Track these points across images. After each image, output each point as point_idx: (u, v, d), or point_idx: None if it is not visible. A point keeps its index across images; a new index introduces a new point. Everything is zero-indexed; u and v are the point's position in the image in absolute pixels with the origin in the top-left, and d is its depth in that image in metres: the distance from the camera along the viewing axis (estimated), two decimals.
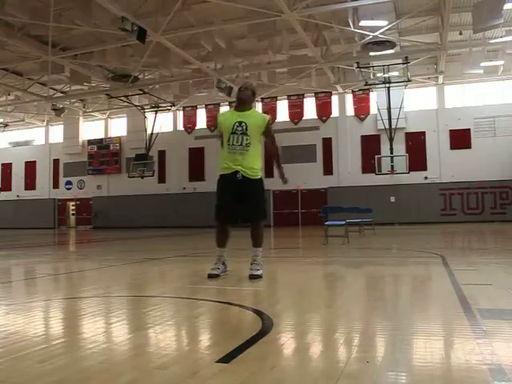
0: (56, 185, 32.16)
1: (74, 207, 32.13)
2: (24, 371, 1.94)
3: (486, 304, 3.15)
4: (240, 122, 4.57)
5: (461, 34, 19.36)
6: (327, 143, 26.00)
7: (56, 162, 32.19)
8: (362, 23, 17.43)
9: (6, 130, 31.87)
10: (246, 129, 4.55)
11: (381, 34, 17.84)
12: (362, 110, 25.46)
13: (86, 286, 4.58)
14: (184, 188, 28.55)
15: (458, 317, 2.77)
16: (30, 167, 32.86)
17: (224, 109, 27.40)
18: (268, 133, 4.76)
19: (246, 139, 4.54)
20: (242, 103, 4.71)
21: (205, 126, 27.76)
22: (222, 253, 4.75)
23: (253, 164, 4.59)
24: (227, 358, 2.05)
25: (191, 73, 22.00)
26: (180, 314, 3.19)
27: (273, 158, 5.05)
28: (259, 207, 4.68)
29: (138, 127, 28.24)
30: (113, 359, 2.13)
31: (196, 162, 27.96)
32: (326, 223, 10.33)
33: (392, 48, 19.63)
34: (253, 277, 4.46)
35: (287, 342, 2.38)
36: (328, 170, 25.92)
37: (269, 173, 26.54)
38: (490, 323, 2.57)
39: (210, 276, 4.57)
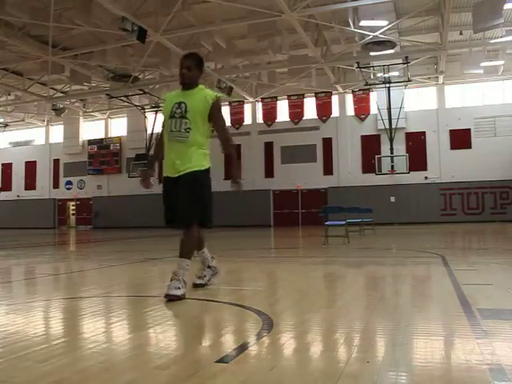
0: (56, 185, 32.16)
1: (74, 207, 32.13)
2: (24, 371, 1.94)
3: (486, 304, 3.15)
4: (179, 103, 3.68)
5: (461, 33, 19.36)
6: (327, 143, 26.00)
7: (56, 161, 32.19)
8: (362, 23, 17.43)
9: (7, 129, 31.88)
10: (186, 111, 3.65)
11: (381, 33, 17.83)
12: (362, 110, 25.46)
13: (86, 286, 4.58)
14: None
15: (458, 317, 2.77)
16: (30, 167, 32.86)
17: (225, 109, 27.44)
18: (214, 117, 3.74)
19: (186, 123, 3.63)
20: (184, 79, 3.75)
21: None
22: (204, 255, 4.01)
23: (193, 155, 3.66)
24: (227, 358, 2.05)
25: None
26: (180, 314, 3.19)
27: (221, 142, 3.93)
28: (191, 208, 3.61)
29: (138, 127, 28.24)
30: (113, 359, 2.13)
31: None
32: (326, 223, 10.33)
33: (392, 48, 19.63)
34: (169, 297, 3.42)
35: (287, 342, 2.38)
36: (328, 169, 25.91)
37: (269, 173, 26.73)
38: (490, 323, 2.57)
39: (195, 285, 3.95)
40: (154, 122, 26.72)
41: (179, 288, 3.45)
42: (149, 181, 3.99)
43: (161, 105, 26.19)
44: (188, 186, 3.60)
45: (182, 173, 3.61)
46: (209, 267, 3.98)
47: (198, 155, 3.69)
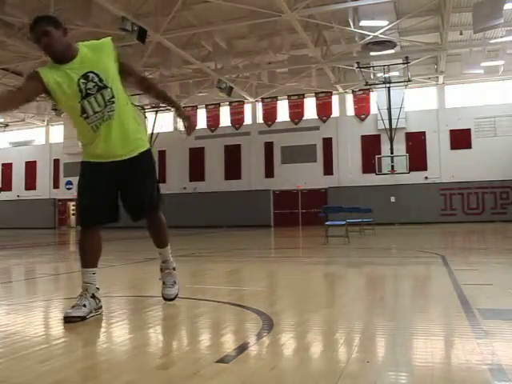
0: (56, 185, 32.16)
1: (74, 207, 32.13)
2: (24, 371, 1.94)
3: (486, 304, 3.15)
4: (86, 76, 2.79)
5: (461, 33, 19.34)
6: (327, 143, 25.99)
7: (56, 161, 32.18)
8: (362, 23, 17.43)
9: (7, 130, 31.87)
10: (101, 79, 2.81)
11: (381, 33, 17.83)
12: (362, 110, 25.45)
13: None
14: (184, 188, 28.53)
15: (458, 317, 2.77)
16: (31, 167, 32.86)
17: (225, 109, 27.43)
18: (127, 66, 3.02)
19: (108, 94, 2.83)
20: (54, 49, 2.79)
21: (205, 126, 27.74)
22: (91, 278, 3.03)
23: (132, 130, 2.97)
24: (227, 358, 2.05)
25: (191, 73, 22.00)
26: (180, 314, 3.19)
27: (150, 90, 3.21)
28: (154, 193, 3.12)
29: None
30: (113, 359, 2.13)
31: (196, 162, 27.94)
32: (327, 223, 10.33)
33: (392, 48, 19.62)
34: (167, 298, 3.24)
35: (287, 342, 2.38)
36: (328, 170, 25.90)
37: (269, 173, 26.73)
38: (491, 323, 2.57)
39: (68, 319, 2.76)
40: (154, 122, 26.73)
41: (172, 285, 3.27)
42: None
43: (161, 105, 26.20)
44: (146, 169, 3.05)
45: (127, 156, 2.94)
46: (93, 297, 3.00)
47: (138, 131, 3.04)
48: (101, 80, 2.81)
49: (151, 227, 3.24)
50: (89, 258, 3.05)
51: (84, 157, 3.05)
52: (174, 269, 3.33)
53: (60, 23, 2.84)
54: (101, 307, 3.01)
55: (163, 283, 3.31)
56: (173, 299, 3.27)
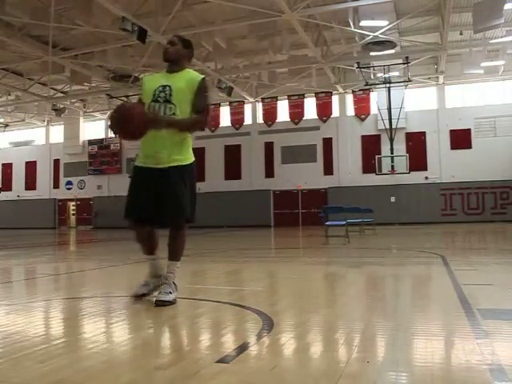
0: (56, 185, 32.16)
1: (74, 207, 32.13)
2: (24, 371, 1.94)
3: (486, 304, 3.15)
4: (164, 86, 3.32)
5: (461, 34, 19.34)
6: (327, 143, 25.99)
7: (56, 162, 32.18)
8: (363, 23, 17.42)
9: (7, 130, 31.88)
10: (170, 94, 3.29)
11: (381, 34, 17.82)
12: (362, 110, 25.45)
13: (86, 286, 4.58)
14: None
15: (458, 317, 2.77)
16: (31, 167, 32.86)
17: (225, 109, 27.44)
18: (196, 96, 3.33)
19: (170, 108, 3.29)
20: (168, 54, 3.43)
21: None
22: (154, 260, 3.53)
23: (180, 146, 3.36)
24: (227, 359, 2.05)
25: None
26: (180, 314, 3.19)
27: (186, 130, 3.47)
28: (179, 205, 3.29)
29: None
30: (113, 359, 2.13)
31: (196, 162, 27.91)
32: (327, 223, 10.33)
33: (392, 48, 19.62)
34: (160, 303, 3.24)
35: (287, 342, 2.38)
36: (328, 170, 25.91)
37: (269, 173, 26.71)
38: (491, 323, 2.57)
39: (135, 297, 3.42)
40: None
41: (170, 293, 3.30)
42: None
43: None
44: (177, 181, 3.28)
45: (167, 165, 3.27)
46: (158, 276, 3.46)
47: (185, 148, 3.40)
48: (170, 95, 3.30)
49: (169, 237, 3.42)
50: (143, 247, 3.49)
51: (136, 162, 3.45)
52: (173, 283, 3.37)
53: (188, 45, 3.53)
54: (160, 285, 3.38)
55: (159, 290, 3.36)
56: (164, 304, 3.24)
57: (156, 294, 3.35)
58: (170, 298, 3.28)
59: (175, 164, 3.30)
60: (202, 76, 3.43)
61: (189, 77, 3.39)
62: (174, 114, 3.28)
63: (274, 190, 26.64)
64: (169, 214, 3.29)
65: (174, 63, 3.42)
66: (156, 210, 3.27)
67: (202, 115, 3.38)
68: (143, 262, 6.86)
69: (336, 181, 25.61)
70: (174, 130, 3.29)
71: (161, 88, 3.32)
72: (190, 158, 3.45)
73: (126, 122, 3.03)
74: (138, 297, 3.39)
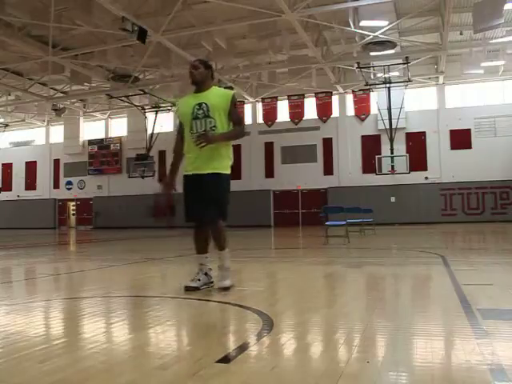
0: (56, 185, 32.17)
1: (74, 207, 32.14)
2: (24, 371, 1.94)
3: (486, 304, 3.15)
4: (200, 104, 3.83)
5: (461, 34, 19.35)
6: (327, 143, 26.00)
7: (56, 162, 32.19)
8: (363, 23, 17.43)
9: (7, 130, 31.87)
10: (208, 110, 3.81)
11: (381, 34, 17.83)
12: (362, 110, 25.46)
13: (86, 286, 4.58)
14: None
15: (458, 317, 2.77)
16: (31, 167, 32.87)
17: None
18: (232, 112, 3.90)
19: (210, 122, 3.79)
20: (197, 84, 3.94)
21: None
22: (204, 260, 3.98)
23: (220, 155, 3.83)
24: (227, 359, 2.05)
25: None
26: (180, 314, 3.19)
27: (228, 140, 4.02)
28: (216, 207, 3.83)
29: (138, 127, 28.24)
30: (113, 359, 2.13)
31: None
32: (327, 223, 10.33)
33: (392, 48, 19.62)
34: (222, 289, 3.78)
35: (287, 342, 2.38)
36: (328, 170, 25.91)
37: (269, 173, 26.72)
38: (491, 323, 2.57)
39: (187, 289, 3.82)
40: (154, 122, 26.72)
41: (227, 279, 3.83)
42: (172, 185, 4.05)
43: (161, 105, 26.21)
44: (213, 185, 3.78)
45: (207, 171, 3.78)
46: (206, 274, 3.96)
47: (224, 158, 3.87)
48: (208, 111, 3.79)
49: (212, 234, 3.93)
50: (198, 247, 3.95)
51: (183, 171, 3.95)
52: (228, 268, 3.91)
53: (209, 66, 3.99)
54: (212, 282, 3.94)
55: (219, 280, 3.87)
56: (226, 289, 3.76)
57: (217, 282, 3.86)
58: (227, 283, 3.81)
59: (213, 171, 3.79)
60: (233, 92, 4.02)
61: (220, 93, 3.95)
62: (214, 126, 3.78)
63: (274, 190, 26.65)
64: (205, 214, 3.81)
65: (201, 84, 3.92)
66: (200, 209, 3.83)
67: (240, 126, 3.97)
68: (143, 262, 6.87)
69: (336, 181, 25.61)
70: (223, 143, 3.82)
71: (197, 106, 3.82)
72: (226, 169, 3.89)
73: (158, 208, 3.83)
74: (191, 289, 3.79)
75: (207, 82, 3.95)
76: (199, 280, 3.88)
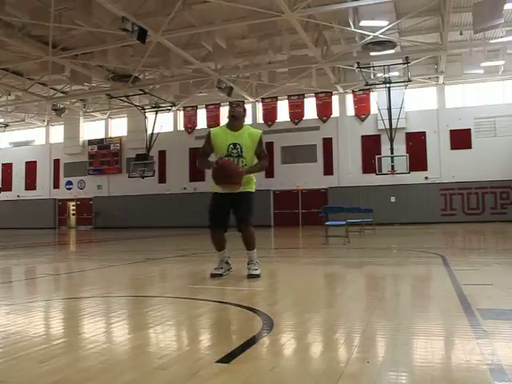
0: (56, 185, 32.18)
1: (74, 207, 32.14)
2: (24, 371, 1.94)
3: (486, 304, 3.15)
4: (235, 144, 4.54)
5: (461, 34, 19.35)
6: (327, 143, 26.01)
7: (56, 162, 32.20)
8: (363, 23, 17.43)
9: (7, 130, 31.88)
10: (241, 151, 4.54)
11: (381, 34, 17.83)
12: (362, 110, 25.46)
13: (86, 286, 4.58)
14: (184, 188, 28.56)
15: (458, 317, 2.77)
16: (31, 167, 32.87)
17: (225, 109, 27.42)
18: (259, 150, 4.68)
19: (242, 161, 4.54)
20: (235, 120, 4.63)
21: (205, 126, 27.76)
22: (223, 255, 4.81)
23: (247, 182, 4.63)
24: (227, 359, 2.04)
25: (191, 73, 21.99)
26: (180, 314, 3.19)
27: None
28: (248, 214, 4.70)
29: (138, 127, 28.24)
30: (113, 359, 2.13)
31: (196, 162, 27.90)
32: (327, 223, 10.32)
33: (392, 48, 19.62)
34: (251, 276, 4.57)
35: (287, 342, 2.38)
36: (328, 170, 25.92)
37: (269, 173, 26.71)
38: (491, 323, 2.57)
39: (213, 275, 4.65)
40: (154, 122, 26.72)
41: (256, 269, 4.64)
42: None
43: (161, 105, 26.18)
44: (246, 200, 4.67)
45: (241, 190, 4.57)
46: (226, 263, 4.87)
47: (252, 180, 4.75)
48: (241, 151, 4.56)
49: (243, 235, 4.70)
50: (218, 247, 4.79)
51: (212, 188, 4.73)
52: (257, 262, 4.74)
53: (245, 110, 4.78)
54: (231, 268, 4.88)
55: (248, 268, 4.69)
56: (254, 277, 4.55)
57: (246, 271, 4.67)
58: (257, 272, 4.63)
59: (245, 190, 4.65)
60: (261, 131, 4.75)
61: (250, 133, 4.66)
62: (245, 164, 4.55)
63: (274, 190, 26.65)
64: (241, 220, 4.64)
65: (238, 120, 4.63)
66: (235, 218, 4.69)
67: (265, 160, 4.78)
68: (143, 262, 6.87)
69: (336, 181, 25.62)
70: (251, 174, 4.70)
71: (232, 146, 4.54)
72: (253, 188, 4.79)
73: (229, 176, 4.35)
74: (216, 275, 4.65)
75: (242, 120, 4.68)
76: (221, 268, 4.74)
